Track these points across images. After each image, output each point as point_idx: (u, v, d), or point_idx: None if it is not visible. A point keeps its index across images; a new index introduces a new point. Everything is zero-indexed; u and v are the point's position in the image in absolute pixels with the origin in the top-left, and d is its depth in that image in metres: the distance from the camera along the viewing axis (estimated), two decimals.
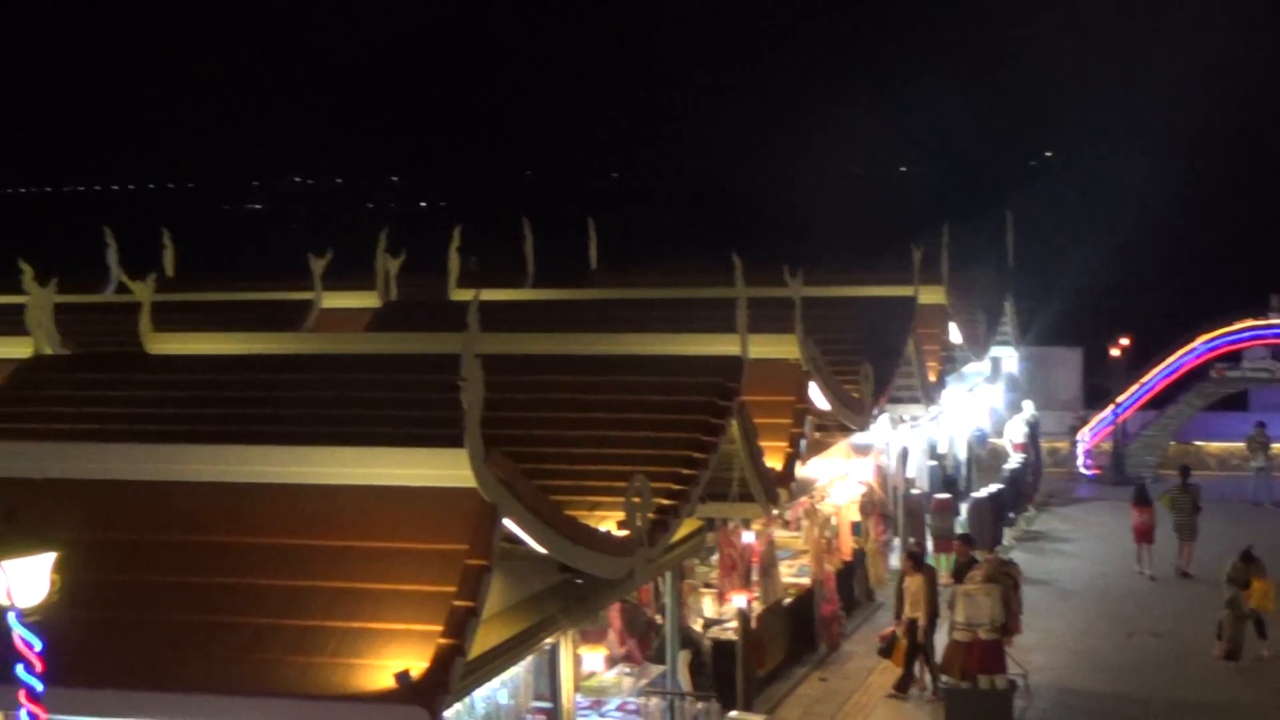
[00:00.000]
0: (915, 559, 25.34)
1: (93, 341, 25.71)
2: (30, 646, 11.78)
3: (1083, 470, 43.54)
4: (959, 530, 29.70)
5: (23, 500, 12.31)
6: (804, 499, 26.11)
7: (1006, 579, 24.27)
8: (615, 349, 22.07)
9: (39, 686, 11.93)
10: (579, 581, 16.73)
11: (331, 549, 14.23)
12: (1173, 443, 44.05)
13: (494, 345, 18.65)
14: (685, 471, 18.94)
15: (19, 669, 11.85)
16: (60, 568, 11.77)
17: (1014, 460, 37.18)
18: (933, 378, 32.04)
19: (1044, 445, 41.42)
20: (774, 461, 22.20)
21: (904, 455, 32.56)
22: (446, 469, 14.14)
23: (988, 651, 23.14)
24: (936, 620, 24.91)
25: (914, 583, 24.59)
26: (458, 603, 13.43)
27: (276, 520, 14.57)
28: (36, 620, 11.72)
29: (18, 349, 22.93)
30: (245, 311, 31.24)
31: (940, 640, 24.41)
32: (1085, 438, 44.21)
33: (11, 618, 11.66)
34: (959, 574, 25.00)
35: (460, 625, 13.31)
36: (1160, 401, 45.72)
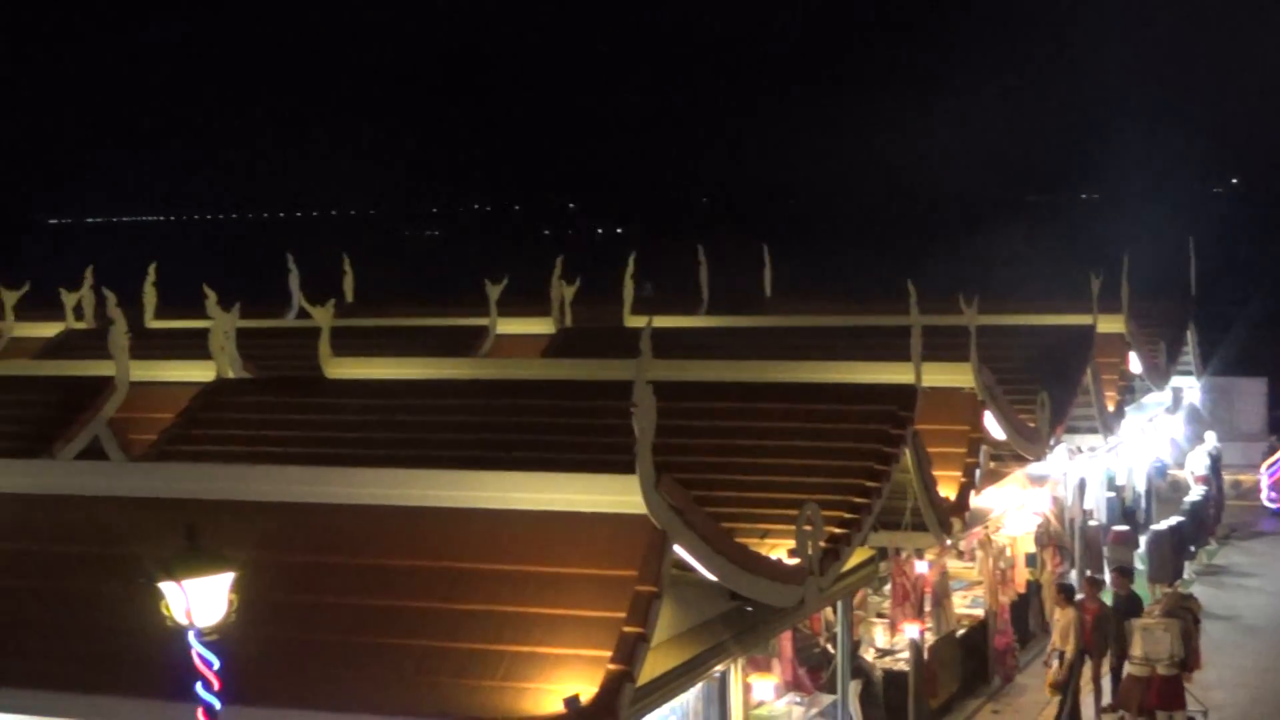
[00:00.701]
0: (1066, 592, 24.94)
1: (273, 366, 26.22)
2: (209, 665, 12.00)
3: (1267, 504, 42.54)
4: (1137, 564, 29.16)
5: (202, 521, 12.53)
6: (978, 529, 25.78)
7: (1186, 614, 23.77)
8: (788, 376, 22.01)
9: (217, 705, 12.13)
10: (749, 609, 16.66)
11: (502, 573, 14.31)
12: None
13: (667, 371, 18.68)
14: (858, 500, 18.81)
15: (198, 687, 12.06)
16: (238, 588, 11.98)
17: (1195, 492, 36.40)
18: (1111, 408, 31.53)
19: (1226, 478, 40.52)
20: (948, 491, 21.98)
21: (1081, 486, 32.04)
22: (618, 495, 14.16)
23: (1166, 687, 22.68)
24: (1106, 655, 24.46)
25: (1064, 616, 24.17)
26: (627, 628, 13.44)
27: (448, 544, 14.69)
28: (214, 639, 11.93)
29: (201, 372, 23.45)
30: (422, 337, 31.61)
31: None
32: (1270, 470, 43.20)
33: (191, 636, 11.88)
34: (1118, 608, 24.56)
35: (630, 651, 13.32)
36: None
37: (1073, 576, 30.57)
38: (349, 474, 15.55)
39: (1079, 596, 24.96)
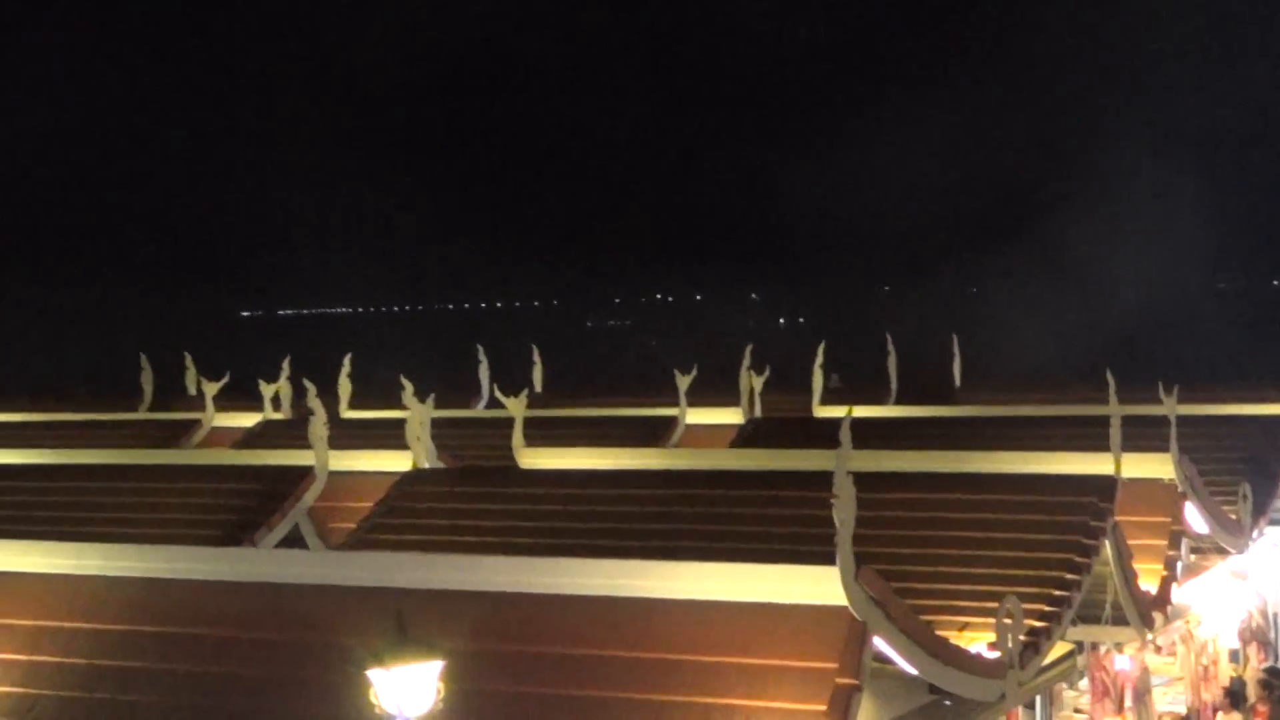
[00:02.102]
0: (1233, 697, 24.25)
1: (465, 455, 26.52)
2: None
3: None
4: None
5: (408, 609, 12.68)
6: (1179, 624, 25.22)
7: None
8: (983, 467, 21.79)
9: None
10: (948, 703, 16.44)
11: (702, 664, 14.28)
12: None
13: (861, 462, 18.57)
14: (1057, 593, 18.52)
15: None
16: (445, 676, 12.09)
17: None
18: None
19: None
20: (1149, 584, 21.55)
21: None
22: (817, 585, 14.09)
23: None
24: None
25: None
26: None
27: (647, 634, 14.69)
28: None
29: (397, 462, 23.80)
30: (611, 426, 31.81)
31: None
32: None
33: None
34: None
35: None
36: None
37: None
38: (550, 564, 15.64)
39: (1250, 701, 24.33)
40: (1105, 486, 20.17)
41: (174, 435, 33.40)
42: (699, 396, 33.27)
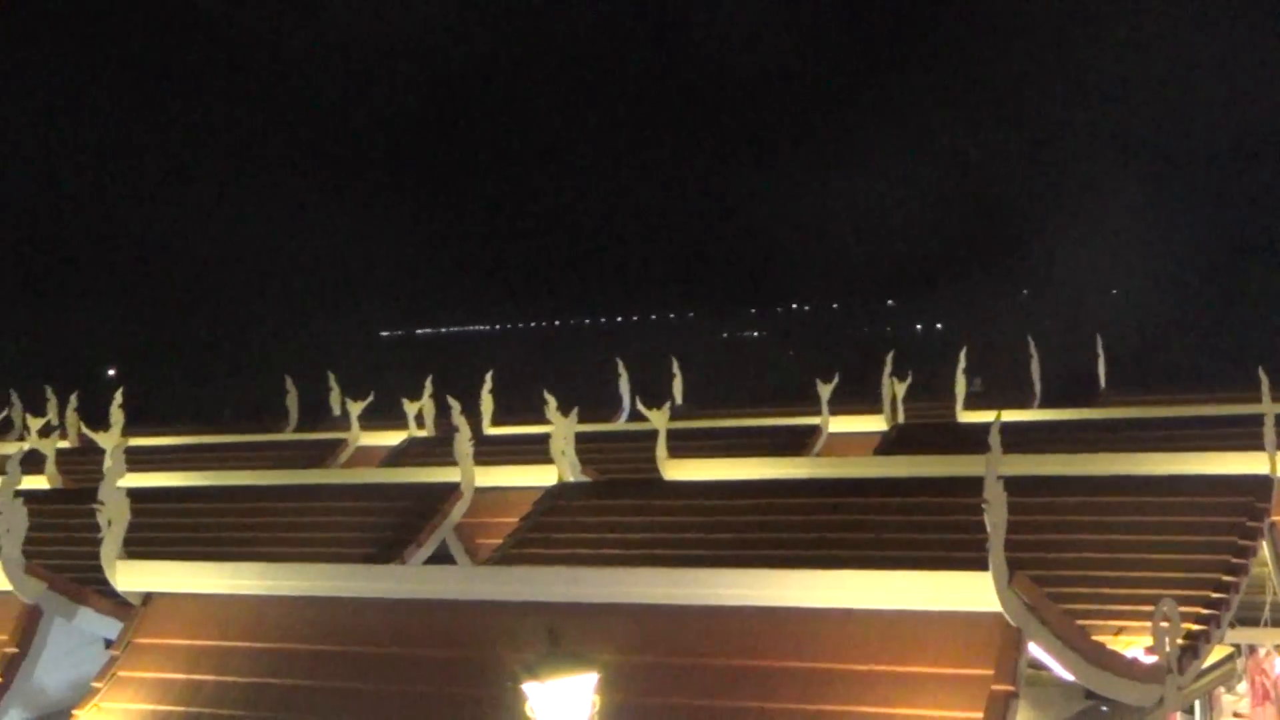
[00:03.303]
0: None
1: (608, 469, 26.59)
2: None
3: None
4: None
5: (562, 623, 12.72)
6: None
7: None
8: (1133, 469, 21.48)
9: None
10: (1104, 709, 16.21)
11: (856, 674, 14.21)
12: None
13: (1008, 466, 18.39)
14: (1214, 595, 18.21)
15: None
16: (600, 689, 12.11)
17: None
18: None
19: None
20: None
21: None
22: (969, 592, 13.97)
23: None
24: None
25: None
26: None
27: (799, 644, 14.64)
28: None
29: (541, 476, 23.93)
30: (753, 437, 31.75)
31: None
32: None
33: None
34: None
35: None
36: None
37: None
38: (698, 575, 15.62)
39: None
40: (1261, 486, 19.81)
41: (321, 455, 33.82)
42: (841, 405, 33.13)
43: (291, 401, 40.31)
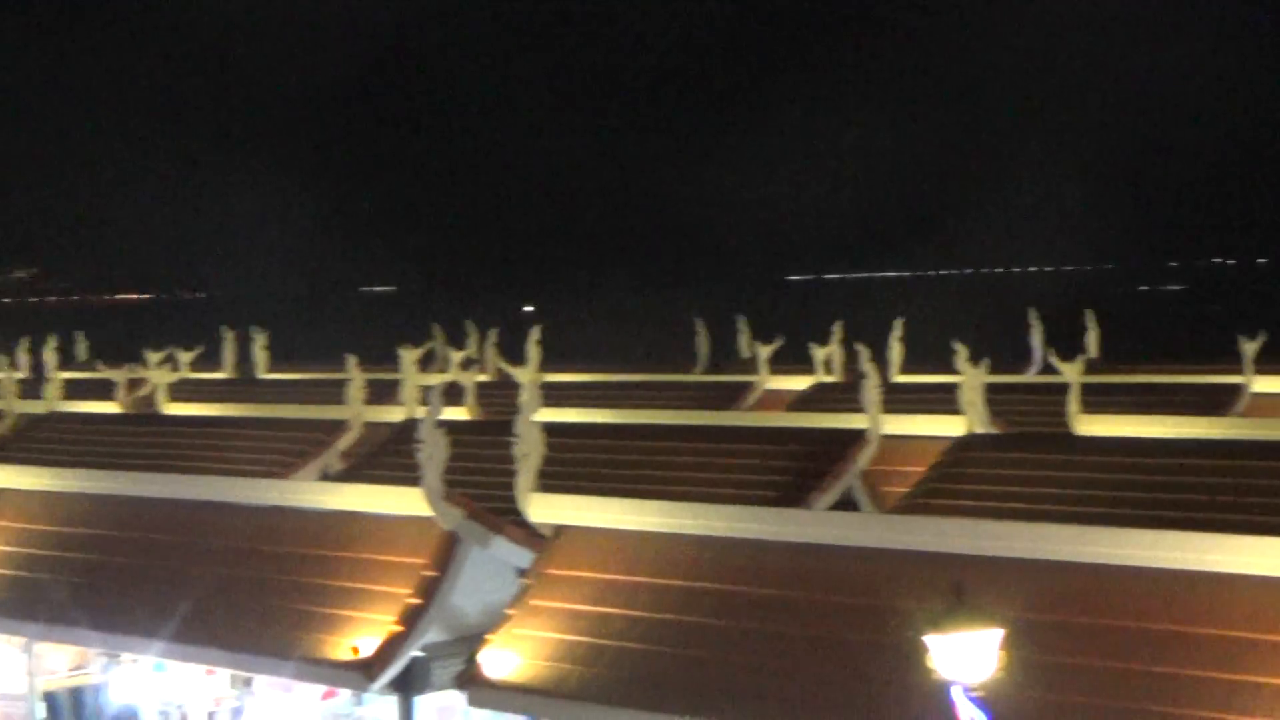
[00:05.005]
0: None
1: (1017, 421, 26.07)
2: None
3: None
4: None
5: (967, 576, 12.54)
6: None
7: None
8: None
9: None
10: None
11: (1274, 644, 13.61)
12: None
13: None
14: None
15: None
16: (1005, 645, 11.90)
17: None
18: None
19: None
20: None
21: None
22: None
23: None
24: None
25: None
26: None
27: (1217, 611, 14.11)
28: (982, 696, 11.90)
29: (949, 427, 23.62)
30: (1170, 394, 30.64)
31: None
32: None
33: (958, 691, 11.89)
34: None
35: None
36: None
37: None
38: (1112, 534, 15.20)
39: None
40: None
41: (728, 397, 34.06)
42: (1266, 364, 31.68)
43: (701, 343, 40.72)
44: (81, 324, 53.90)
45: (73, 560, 22.44)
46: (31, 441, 30.85)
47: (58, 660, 24.18)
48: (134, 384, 35.42)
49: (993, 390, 25.01)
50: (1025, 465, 21.48)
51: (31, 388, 35.22)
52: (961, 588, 11.95)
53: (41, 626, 21.91)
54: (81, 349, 48.95)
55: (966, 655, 11.73)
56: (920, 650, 12.22)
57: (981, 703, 11.86)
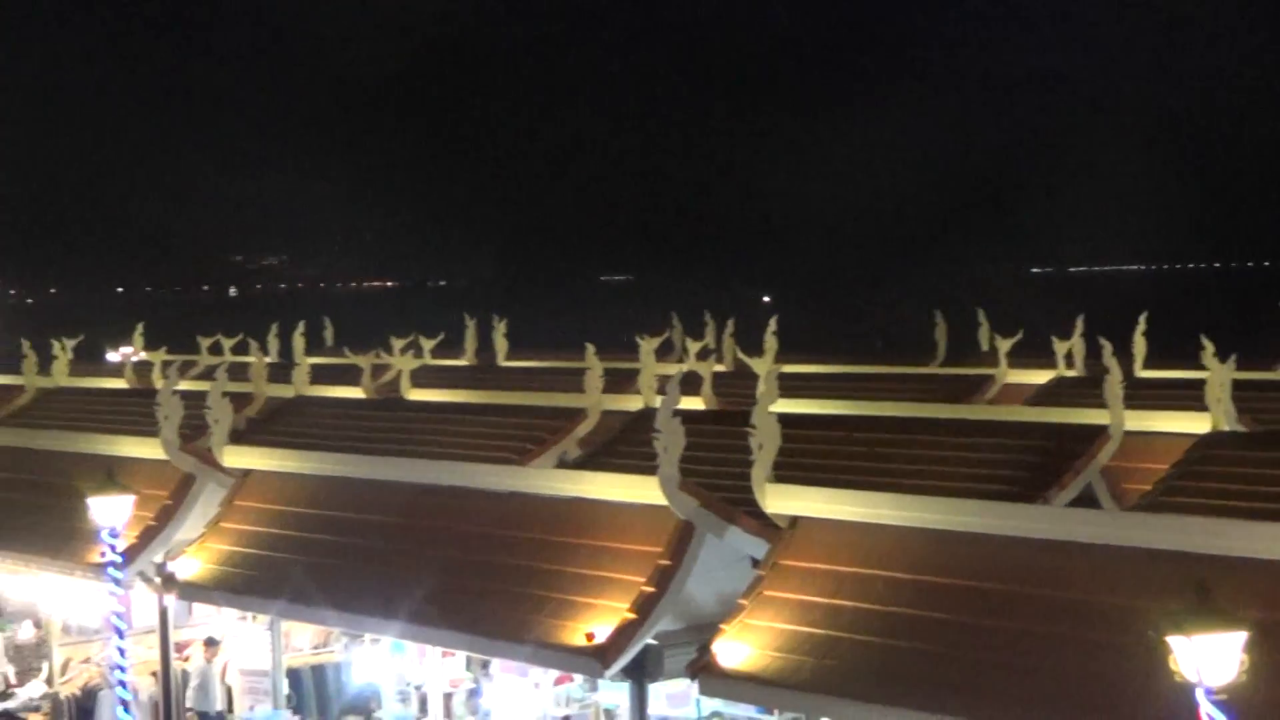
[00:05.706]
0: None
1: (1267, 419, 25.38)
2: None
3: None
4: None
5: (1212, 576, 12.26)
6: None
7: None
8: None
9: None
10: None
11: None
12: None
13: None
14: None
15: None
16: (1249, 647, 11.61)
17: None
18: None
19: None
20: None
21: None
22: None
23: None
24: None
25: None
26: None
27: None
28: (1224, 700, 11.63)
29: (1194, 424, 23.09)
30: None
31: None
32: None
33: (1199, 694, 11.64)
34: None
35: None
36: None
37: None
38: None
39: None
40: None
41: (966, 390, 33.68)
42: None
43: (940, 335, 40.33)
44: (329, 310, 55.22)
45: (316, 541, 23.04)
46: (279, 424, 31.73)
47: (302, 638, 24.97)
48: (378, 370, 36.11)
49: (1241, 387, 24.40)
50: (1272, 464, 20.90)
51: (280, 372, 36.16)
52: (1205, 588, 11.69)
53: (285, 605, 22.56)
54: (329, 335, 50.22)
55: (1209, 657, 11.47)
56: (1160, 651, 11.98)
57: (1225, 706, 11.59)
